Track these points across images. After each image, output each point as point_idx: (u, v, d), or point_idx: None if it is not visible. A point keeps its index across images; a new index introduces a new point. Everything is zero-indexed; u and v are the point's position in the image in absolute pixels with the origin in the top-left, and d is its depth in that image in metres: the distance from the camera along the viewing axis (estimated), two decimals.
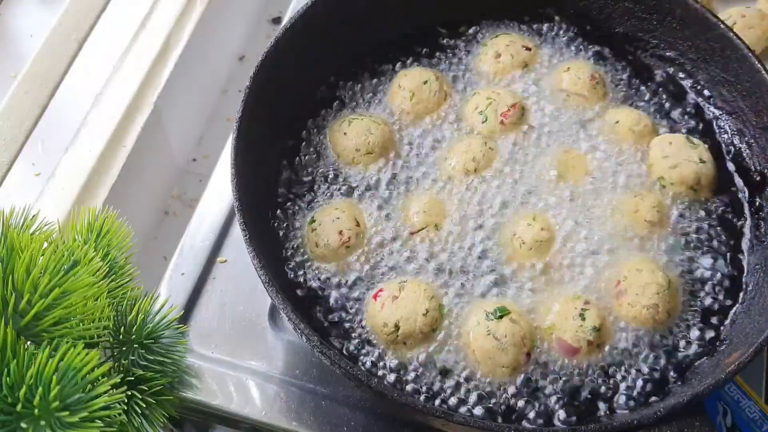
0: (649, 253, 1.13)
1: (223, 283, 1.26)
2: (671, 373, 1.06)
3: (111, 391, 0.90)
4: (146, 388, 1.05)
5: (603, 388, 1.05)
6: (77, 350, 0.87)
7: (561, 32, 1.36)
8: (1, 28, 1.71)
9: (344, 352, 1.07)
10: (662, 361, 1.07)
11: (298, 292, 1.11)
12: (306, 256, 1.14)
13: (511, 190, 1.18)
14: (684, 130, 1.27)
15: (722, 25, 1.22)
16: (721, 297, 1.12)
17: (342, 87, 1.30)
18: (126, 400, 1.01)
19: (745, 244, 1.17)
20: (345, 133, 1.21)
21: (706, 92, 1.29)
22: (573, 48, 1.35)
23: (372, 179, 1.20)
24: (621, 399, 1.04)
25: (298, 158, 1.22)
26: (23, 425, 0.83)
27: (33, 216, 1.04)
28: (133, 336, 1.06)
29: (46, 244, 1.00)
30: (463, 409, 1.03)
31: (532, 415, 1.03)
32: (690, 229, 1.17)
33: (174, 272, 1.27)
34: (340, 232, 1.12)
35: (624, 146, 1.23)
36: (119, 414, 0.95)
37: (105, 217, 1.12)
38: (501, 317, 1.05)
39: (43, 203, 1.35)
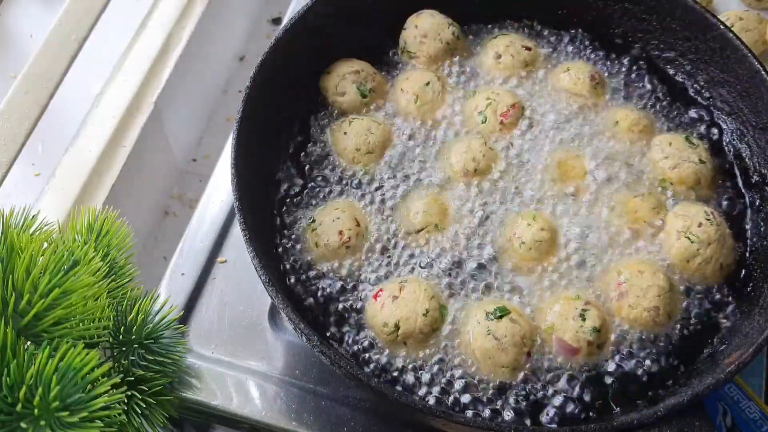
0: (650, 255, 1.14)
1: (223, 283, 1.25)
2: (671, 374, 1.06)
3: (111, 391, 0.90)
4: (146, 388, 1.05)
5: (602, 389, 1.05)
6: (77, 350, 0.87)
7: (561, 33, 1.36)
8: (1, 28, 1.71)
9: (344, 352, 1.07)
10: (662, 362, 1.07)
11: (298, 292, 1.11)
12: (306, 256, 1.14)
13: (510, 191, 1.18)
14: (684, 131, 1.27)
15: (722, 26, 1.22)
16: (720, 298, 1.12)
17: None
18: (126, 400, 1.02)
19: (744, 244, 1.17)
20: (345, 133, 1.21)
21: (705, 93, 1.29)
22: (573, 48, 1.35)
23: (372, 179, 1.20)
24: (621, 399, 1.04)
25: (298, 158, 1.22)
26: (23, 425, 0.83)
27: (33, 216, 1.04)
28: (133, 336, 1.06)
29: (46, 245, 1.00)
30: (463, 409, 1.03)
31: (532, 414, 1.03)
32: None
33: (174, 272, 1.26)
34: (340, 232, 1.12)
35: (624, 146, 1.23)
36: (119, 414, 0.95)
37: (105, 217, 1.12)
38: (501, 317, 1.05)
39: (43, 203, 1.35)
